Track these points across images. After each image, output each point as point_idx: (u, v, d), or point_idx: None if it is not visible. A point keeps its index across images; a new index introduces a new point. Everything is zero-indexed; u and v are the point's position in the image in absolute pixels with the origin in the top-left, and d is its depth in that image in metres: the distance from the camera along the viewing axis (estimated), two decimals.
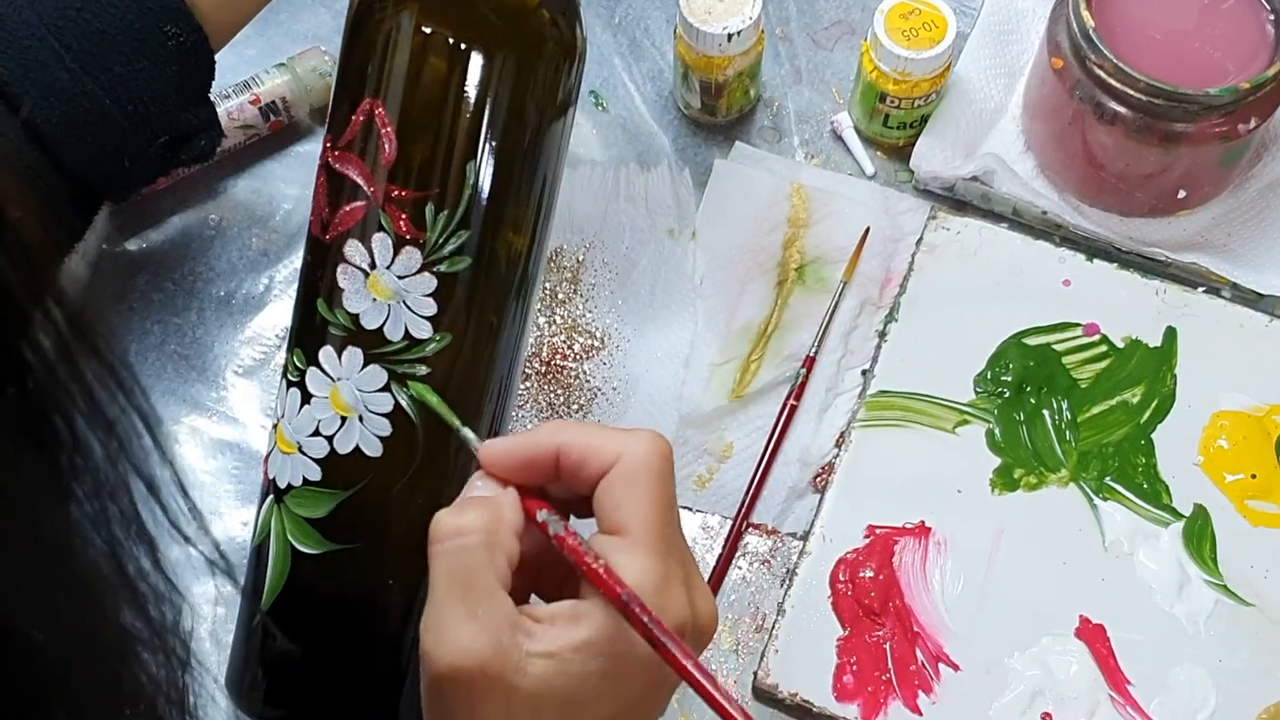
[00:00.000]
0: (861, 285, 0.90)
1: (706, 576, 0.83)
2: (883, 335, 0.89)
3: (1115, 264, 0.90)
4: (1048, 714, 0.79)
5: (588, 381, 0.88)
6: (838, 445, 0.86)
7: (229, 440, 0.88)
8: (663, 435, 0.59)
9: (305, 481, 0.68)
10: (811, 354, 0.88)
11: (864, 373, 0.88)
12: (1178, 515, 0.83)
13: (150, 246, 0.93)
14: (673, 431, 0.86)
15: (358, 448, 0.67)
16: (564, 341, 0.88)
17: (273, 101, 0.94)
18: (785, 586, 0.83)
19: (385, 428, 0.67)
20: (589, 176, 0.93)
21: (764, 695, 0.80)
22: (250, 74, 0.94)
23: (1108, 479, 0.84)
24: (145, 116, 0.81)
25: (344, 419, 0.67)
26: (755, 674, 0.80)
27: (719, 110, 0.95)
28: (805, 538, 0.84)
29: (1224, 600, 0.81)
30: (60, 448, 0.41)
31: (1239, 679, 0.79)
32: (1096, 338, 0.88)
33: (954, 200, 0.93)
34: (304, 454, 0.68)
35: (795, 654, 0.81)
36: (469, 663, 0.54)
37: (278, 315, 0.91)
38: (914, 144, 0.93)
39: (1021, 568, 0.82)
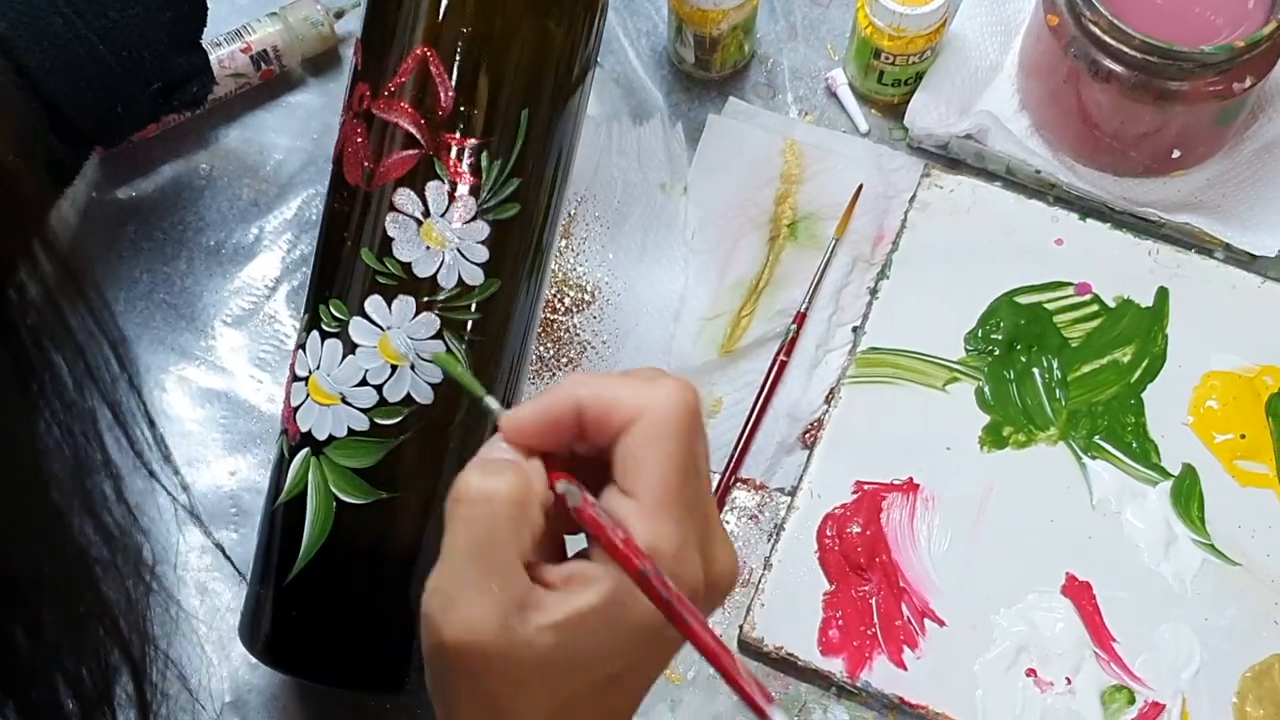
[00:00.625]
0: (854, 242, 0.91)
1: None
2: (874, 292, 0.89)
3: (1108, 224, 0.90)
4: (1032, 670, 0.80)
5: (577, 335, 0.88)
6: (827, 401, 0.87)
7: (217, 389, 0.89)
8: (690, 384, 0.55)
9: (350, 432, 0.69)
10: (802, 310, 0.88)
11: (855, 329, 0.89)
12: (1166, 474, 0.84)
13: (140, 195, 0.94)
14: None
15: (409, 395, 0.69)
16: (554, 294, 0.89)
17: (264, 50, 0.94)
18: (772, 541, 0.84)
19: (437, 374, 0.69)
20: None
21: (749, 648, 0.81)
22: (242, 22, 0.94)
23: (1097, 438, 0.85)
24: (138, 62, 0.81)
25: (394, 367, 0.69)
26: (741, 627, 0.81)
27: (713, 65, 0.95)
28: (793, 493, 0.85)
29: (1211, 559, 0.82)
30: (29, 368, 0.41)
31: (1225, 637, 0.80)
32: (1088, 297, 0.89)
33: (948, 158, 0.93)
34: (348, 404, 0.69)
35: (781, 608, 0.82)
36: (474, 639, 0.52)
37: (267, 265, 0.92)
38: (909, 102, 0.93)
39: (1009, 525, 0.83)
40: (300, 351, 0.72)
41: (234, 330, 0.91)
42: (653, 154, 0.93)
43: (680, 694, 0.81)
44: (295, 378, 0.72)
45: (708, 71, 0.96)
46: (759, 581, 0.82)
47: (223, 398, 0.89)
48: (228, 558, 0.77)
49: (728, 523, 0.85)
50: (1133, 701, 0.79)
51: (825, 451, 0.85)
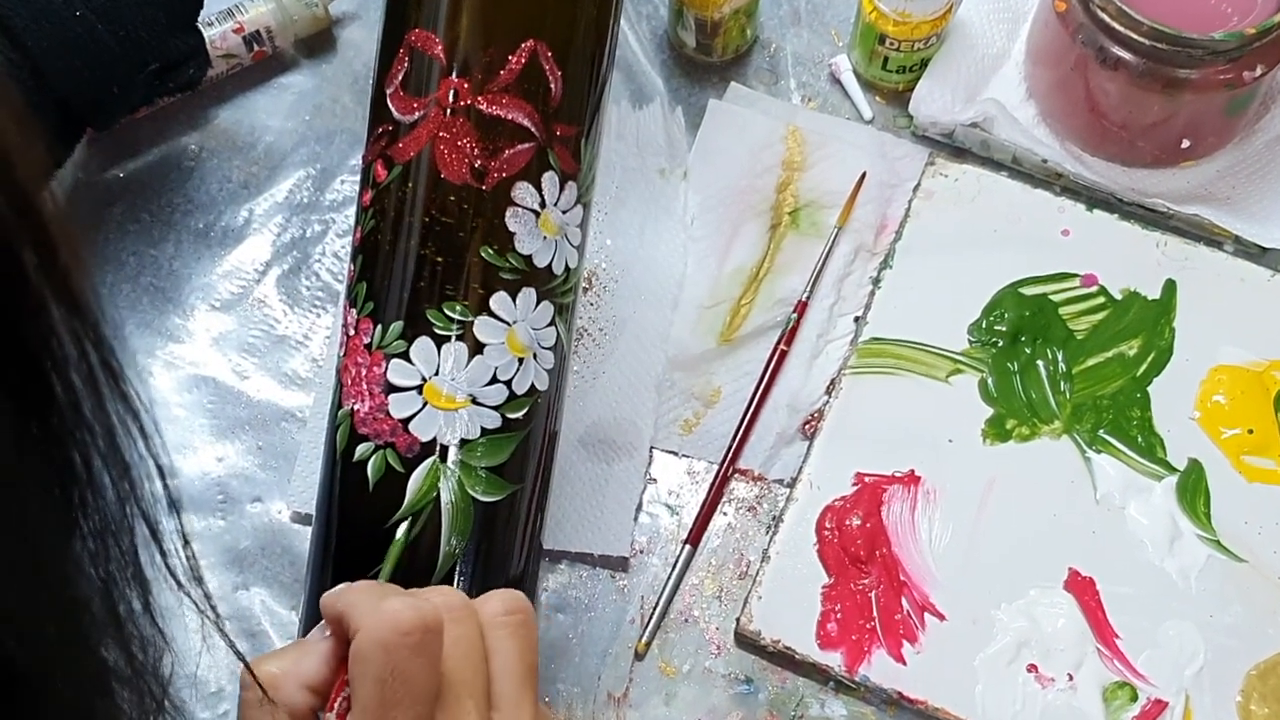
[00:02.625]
0: (856, 231, 0.93)
1: (691, 522, 0.86)
2: (876, 282, 0.91)
3: (1116, 215, 0.92)
4: (1033, 665, 0.81)
5: (573, 322, 0.90)
6: (828, 392, 0.89)
7: (204, 375, 0.91)
8: (419, 607, 0.58)
9: (484, 431, 0.70)
10: (803, 299, 0.90)
11: (857, 319, 0.91)
12: (1172, 469, 0.86)
13: (128, 176, 0.95)
14: (659, 374, 0.89)
15: (532, 385, 0.72)
16: None
17: (256, 31, 0.96)
18: (771, 533, 0.85)
19: (550, 360, 0.73)
20: None
21: (746, 641, 0.83)
22: (234, 2, 0.96)
23: (1101, 431, 0.87)
24: (136, 42, 0.83)
25: (520, 360, 0.71)
26: (738, 620, 0.83)
27: (714, 50, 0.97)
28: (792, 484, 0.86)
29: (1216, 556, 0.84)
30: (73, 482, 0.42)
31: (1230, 634, 0.82)
32: (1094, 289, 0.90)
33: (953, 147, 0.95)
34: (480, 405, 0.70)
35: (779, 601, 0.83)
36: None
37: (257, 249, 0.94)
38: (913, 89, 0.95)
39: (1011, 519, 0.85)
40: (398, 361, 0.70)
41: (222, 314, 0.92)
42: (652, 139, 0.95)
43: (675, 687, 0.83)
44: (394, 388, 0.70)
45: (709, 56, 0.98)
46: (756, 574, 0.84)
47: (210, 383, 0.91)
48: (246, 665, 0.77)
49: (725, 514, 0.87)
50: (1135, 698, 0.81)
51: (825, 443, 0.87)
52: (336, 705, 0.61)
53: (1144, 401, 0.88)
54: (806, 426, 0.88)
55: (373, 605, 0.58)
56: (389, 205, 0.72)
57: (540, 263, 0.71)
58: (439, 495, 0.69)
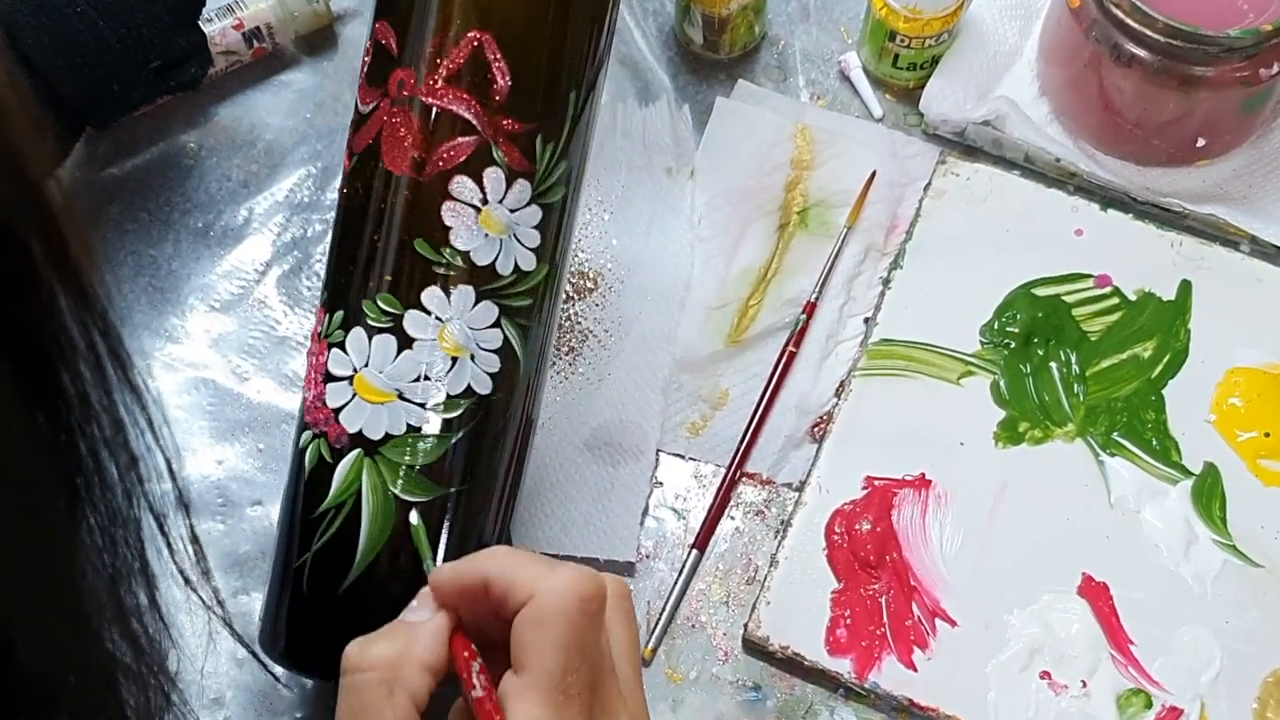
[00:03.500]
0: (866, 230, 0.93)
1: (698, 526, 0.86)
2: (887, 282, 0.92)
3: (1130, 214, 0.93)
4: (1046, 672, 0.82)
5: (578, 323, 0.90)
6: (837, 394, 0.89)
7: (203, 377, 0.91)
8: (594, 576, 0.60)
9: (410, 429, 0.71)
10: (812, 300, 0.91)
11: (866, 320, 0.91)
12: (1187, 473, 0.86)
13: (126, 174, 0.96)
14: (666, 376, 0.89)
15: (470, 387, 0.71)
16: None
17: (256, 27, 0.97)
18: (779, 538, 0.86)
19: (494, 363, 0.72)
20: None
21: (754, 648, 0.84)
22: None
23: (1115, 434, 0.87)
24: (138, 40, 0.84)
25: (454, 359, 0.71)
26: (746, 626, 0.83)
27: (722, 47, 0.98)
28: (801, 488, 0.87)
29: (1232, 560, 0.84)
30: (80, 474, 0.43)
31: (1246, 640, 0.82)
32: (1108, 289, 0.91)
33: (964, 145, 0.96)
34: (406, 400, 0.71)
35: (788, 606, 0.84)
36: None
37: (257, 248, 0.94)
38: (924, 87, 0.96)
39: (1024, 523, 0.85)
40: (335, 350, 0.73)
41: (222, 315, 0.93)
42: (659, 137, 0.95)
43: (682, 693, 0.83)
44: (331, 378, 0.73)
45: (716, 53, 0.98)
46: (765, 579, 0.84)
47: (210, 385, 0.91)
48: (251, 653, 0.77)
49: (732, 518, 0.87)
50: (1150, 706, 0.81)
51: (834, 446, 0.87)
52: (476, 680, 0.60)
53: (1159, 404, 0.88)
54: (815, 429, 0.89)
55: (543, 573, 0.59)
56: (349, 195, 0.74)
57: (480, 260, 0.71)
58: (360, 490, 0.71)
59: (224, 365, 0.92)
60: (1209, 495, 0.86)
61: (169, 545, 0.47)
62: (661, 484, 0.88)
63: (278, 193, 0.96)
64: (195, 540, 0.49)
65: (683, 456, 0.89)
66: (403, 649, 0.61)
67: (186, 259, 0.94)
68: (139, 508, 0.45)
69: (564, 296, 0.90)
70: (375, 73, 0.74)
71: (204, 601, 0.50)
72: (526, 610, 0.59)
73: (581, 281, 0.92)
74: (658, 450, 0.88)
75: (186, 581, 0.49)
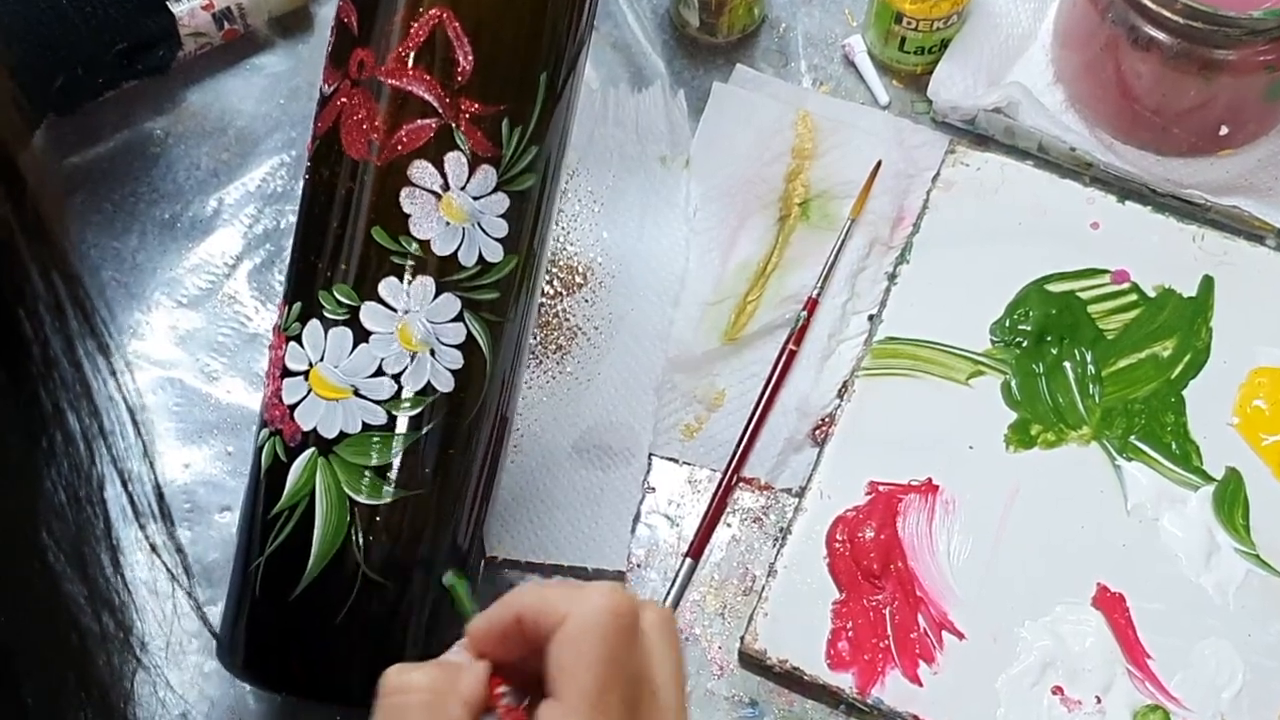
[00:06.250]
0: (871, 223, 0.95)
1: (692, 534, 0.88)
2: (892, 278, 0.93)
3: (1149, 206, 0.95)
4: (1059, 687, 0.83)
5: (567, 320, 0.92)
6: (840, 395, 0.91)
7: (170, 376, 0.93)
8: (625, 593, 0.62)
9: (366, 427, 0.72)
10: (814, 296, 0.92)
11: (871, 318, 0.93)
12: (1208, 478, 0.88)
13: (89, 163, 0.98)
14: (659, 375, 0.91)
15: (429, 384, 0.72)
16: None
17: (227, 8, 0.98)
18: (778, 546, 0.87)
19: (458, 360, 0.73)
20: None
21: (751, 662, 0.85)
22: None
23: (1133, 438, 0.89)
24: (103, 20, 0.85)
25: (414, 354, 0.72)
26: (742, 639, 0.85)
27: (719, 30, 1.00)
28: (801, 494, 0.88)
29: (1255, 570, 0.86)
30: (42, 428, 0.44)
31: (1269, 654, 0.84)
32: (1126, 286, 0.93)
33: (974, 134, 0.98)
34: (362, 397, 0.72)
35: (786, 618, 0.85)
36: None
37: (227, 241, 0.96)
38: (932, 72, 0.98)
39: (1036, 531, 0.87)
40: (293, 344, 0.74)
41: (190, 311, 0.94)
42: (652, 124, 0.97)
43: None
44: (288, 372, 0.74)
45: (713, 36, 1.00)
46: (762, 589, 0.86)
47: (176, 384, 0.93)
48: (212, 633, 0.78)
49: (728, 526, 0.89)
50: None
51: (837, 449, 0.89)
52: (502, 705, 0.62)
53: (1179, 406, 0.90)
54: (817, 432, 0.90)
55: (573, 595, 0.61)
56: (311, 181, 0.76)
57: (441, 250, 0.72)
58: (314, 488, 0.72)
59: (192, 364, 0.93)
60: (1231, 502, 0.87)
61: (132, 504, 0.48)
62: (654, 489, 0.90)
63: (249, 182, 0.98)
64: (161, 499, 0.50)
65: (676, 460, 0.90)
66: (446, 681, 0.62)
67: (153, 252, 0.96)
68: (102, 461, 0.46)
69: (553, 292, 0.92)
70: (338, 53, 0.75)
71: (167, 567, 0.51)
72: (560, 633, 0.60)
73: (570, 276, 0.93)
74: (650, 454, 0.90)
75: (152, 548, 0.50)
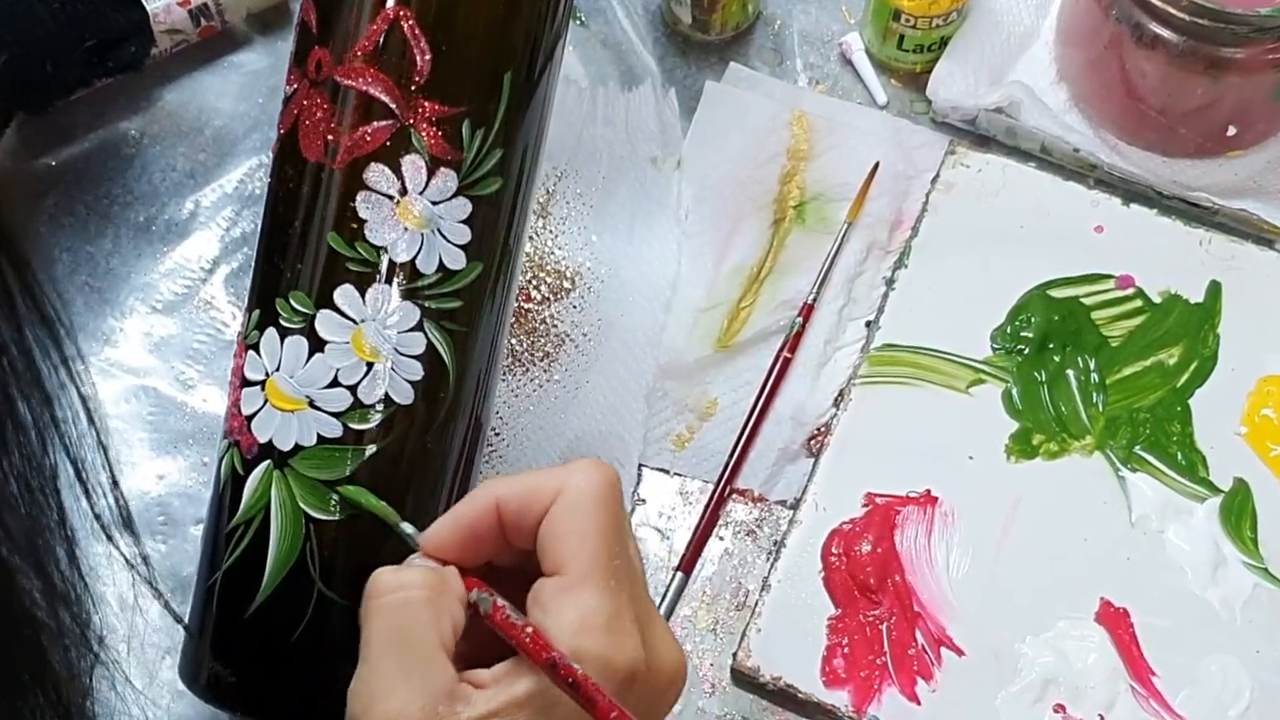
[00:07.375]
0: (868, 227, 0.95)
1: (683, 547, 0.88)
2: (890, 283, 0.94)
3: (1155, 210, 0.95)
4: (1061, 705, 0.83)
5: (555, 326, 0.92)
6: (836, 404, 0.91)
7: (144, 384, 0.93)
8: (605, 463, 0.63)
9: (321, 439, 0.72)
10: (809, 301, 0.92)
11: (868, 324, 0.93)
12: (1215, 490, 0.88)
13: (61, 164, 0.97)
14: (649, 383, 0.91)
15: (387, 395, 0.72)
16: (528, 281, 0.93)
17: (204, 4, 0.98)
18: (772, 560, 0.87)
19: (417, 371, 0.72)
20: (562, 97, 0.96)
21: (743, 679, 0.85)
22: None
23: (1138, 448, 0.89)
24: (73, 15, 0.85)
25: (370, 365, 0.72)
26: (735, 655, 0.85)
27: (712, 26, 1.00)
28: (796, 506, 0.88)
29: (1263, 584, 0.86)
30: None
31: (1278, 671, 0.84)
32: (1131, 291, 0.93)
33: (975, 134, 0.98)
34: (318, 409, 0.72)
35: (780, 634, 0.85)
36: None
37: (204, 245, 0.96)
38: (932, 70, 0.98)
39: (1038, 544, 0.87)
40: (251, 353, 0.74)
41: (164, 317, 0.94)
42: (643, 124, 0.97)
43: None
44: (246, 382, 0.74)
45: (706, 33, 1.00)
46: (755, 605, 0.86)
47: (151, 393, 0.93)
48: (179, 621, 0.78)
49: (720, 539, 0.89)
50: None
51: (832, 460, 0.89)
52: (498, 605, 0.62)
53: (1185, 415, 0.90)
54: (812, 442, 0.90)
55: (563, 472, 0.62)
56: (273, 184, 0.76)
57: (399, 257, 0.72)
58: (270, 502, 0.72)
59: (166, 371, 0.93)
60: (1239, 514, 0.87)
61: (87, 494, 0.48)
62: (644, 501, 0.90)
63: (227, 184, 0.98)
64: (116, 487, 0.50)
65: (667, 471, 0.91)
66: (440, 577, 0.63)
67: (127, 256, 0.96)
68: (54, 450, 0.46)
69: (540, 297, 0.92)
70: (298, 52, 0.75)
71: (125, 558, 0.51)
72: (557, 508, 0.61)
73: (558, 281, 0.93)
74: (640, 464, 0.90)
75: (109, 538, 0.50)
